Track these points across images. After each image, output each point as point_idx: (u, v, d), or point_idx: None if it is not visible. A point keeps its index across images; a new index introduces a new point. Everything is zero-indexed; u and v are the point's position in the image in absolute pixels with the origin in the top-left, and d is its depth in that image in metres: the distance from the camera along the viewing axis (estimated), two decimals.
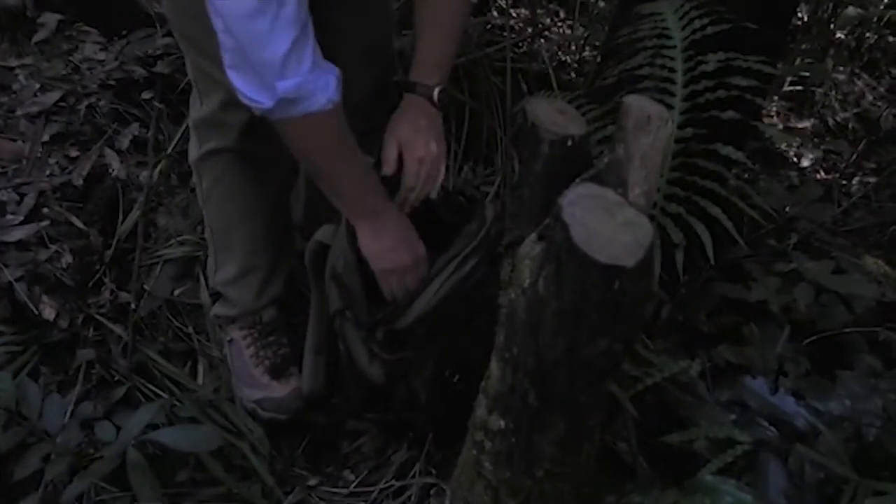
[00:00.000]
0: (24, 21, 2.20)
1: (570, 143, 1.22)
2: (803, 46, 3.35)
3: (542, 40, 3.31)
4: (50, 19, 2.19)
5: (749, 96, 1.49)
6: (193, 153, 1.64)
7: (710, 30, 1.57)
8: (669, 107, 1.53)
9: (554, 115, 1.28)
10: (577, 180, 1.10)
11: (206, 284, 1.86)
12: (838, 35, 3.67)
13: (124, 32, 2.37)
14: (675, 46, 1.60)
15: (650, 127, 1.15)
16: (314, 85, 1.18)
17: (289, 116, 1.20)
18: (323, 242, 1.39)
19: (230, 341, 1.75)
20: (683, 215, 1.50)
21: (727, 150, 1.48)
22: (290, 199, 1.83)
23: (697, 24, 1.59)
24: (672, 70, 1.59)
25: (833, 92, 3.47)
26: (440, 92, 1.41)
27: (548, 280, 0.96)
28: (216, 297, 1.79)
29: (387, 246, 1.35)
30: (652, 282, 1.03)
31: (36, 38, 2.16)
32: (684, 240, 1.46)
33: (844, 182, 2.85)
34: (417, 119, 1.40)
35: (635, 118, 1.14)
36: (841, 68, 3.66)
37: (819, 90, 3.41)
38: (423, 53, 1.42)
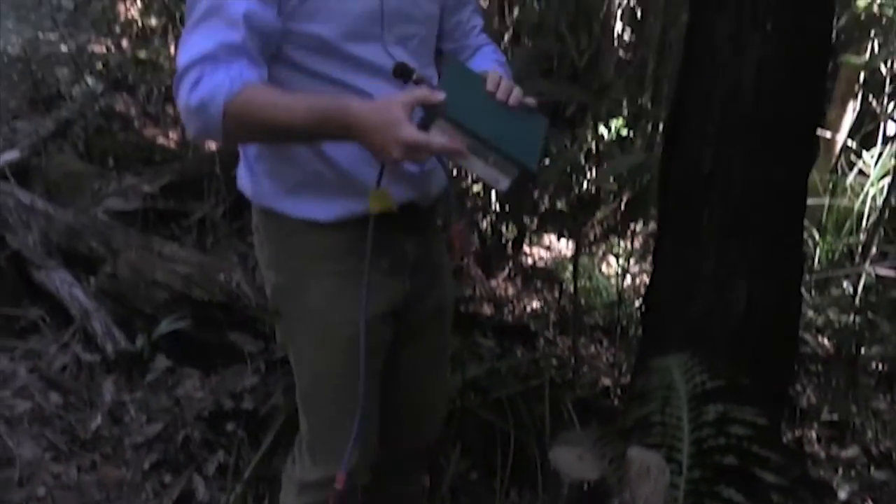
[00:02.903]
0: (140, 362, 2.64)
1: (586, 486, 1.47)
2: (834, 383, 3.53)
3: (586, 367, 3.63)
4: (161, 363, 2.63)
5: (745, 445, 1.73)
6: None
7: (708, 385, 1.85)
8: (678, 451, 1.77)
9: (574, 461, 1.55)
10: None
11: None
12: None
13: (220, 368, 2.79)
14: (681, 397, 1.88)
15: (650, 476, 1.41)
16: None
17: None
18: None
19: None
20: None
21: (729, 493, 1.68)
22: None
23: (698, 378, 1.88)
24: (679, 418, 1.85)
25: (873, 420, 3.57)
26: None
27: None
28: None
29: (379, 148, 1.32)
30: None
31: (148, 379, 2.58)
32: None
33: None
34: None
35: (637, 468, 1.40)
36: (881, 396, 3.79)
37: (857, 419, 3.52)
38: None
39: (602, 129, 3.93)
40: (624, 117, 3.77)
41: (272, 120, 1.36)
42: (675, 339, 2.05)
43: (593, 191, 3.62)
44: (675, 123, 2.04)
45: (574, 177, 3.73)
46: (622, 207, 3.94)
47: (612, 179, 3.84)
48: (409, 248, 1.64)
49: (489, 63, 1.64)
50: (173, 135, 4.45)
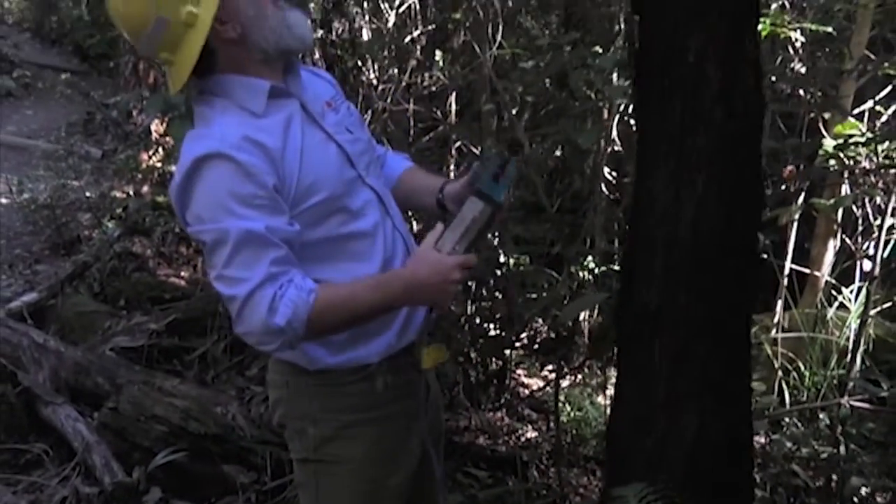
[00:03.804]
0: (135, 494, 2.75)
1: None
2: None
3: (578, 498, 3.67)
4: (155, 495, 2.74)
5: None
6: None
7: None
8: None
9: None
10: None
11: None
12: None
13: (213, 499, 2.88)
14: None
15: None
16: None
17: None
18: None
19: None
20: None
21: None
22: None
23: None
24: None
25: None
26: None
27: None
28: None
29: (439, 289, 1.50)
30: None
31: None
32: None
33: None
34: None
35: None
36: None
37: None
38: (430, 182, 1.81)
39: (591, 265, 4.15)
40: (602, 256, 3.98)
41: (351, 313, 1.50)
42: (635, 468, 2.16)
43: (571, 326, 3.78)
44: (627, 267, 2.23)
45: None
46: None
47: (593, 313, 4.02)
48: (429, 377, 1.78)
49: (404, 161, 1.90)
50: (185, 273, 4.71)
